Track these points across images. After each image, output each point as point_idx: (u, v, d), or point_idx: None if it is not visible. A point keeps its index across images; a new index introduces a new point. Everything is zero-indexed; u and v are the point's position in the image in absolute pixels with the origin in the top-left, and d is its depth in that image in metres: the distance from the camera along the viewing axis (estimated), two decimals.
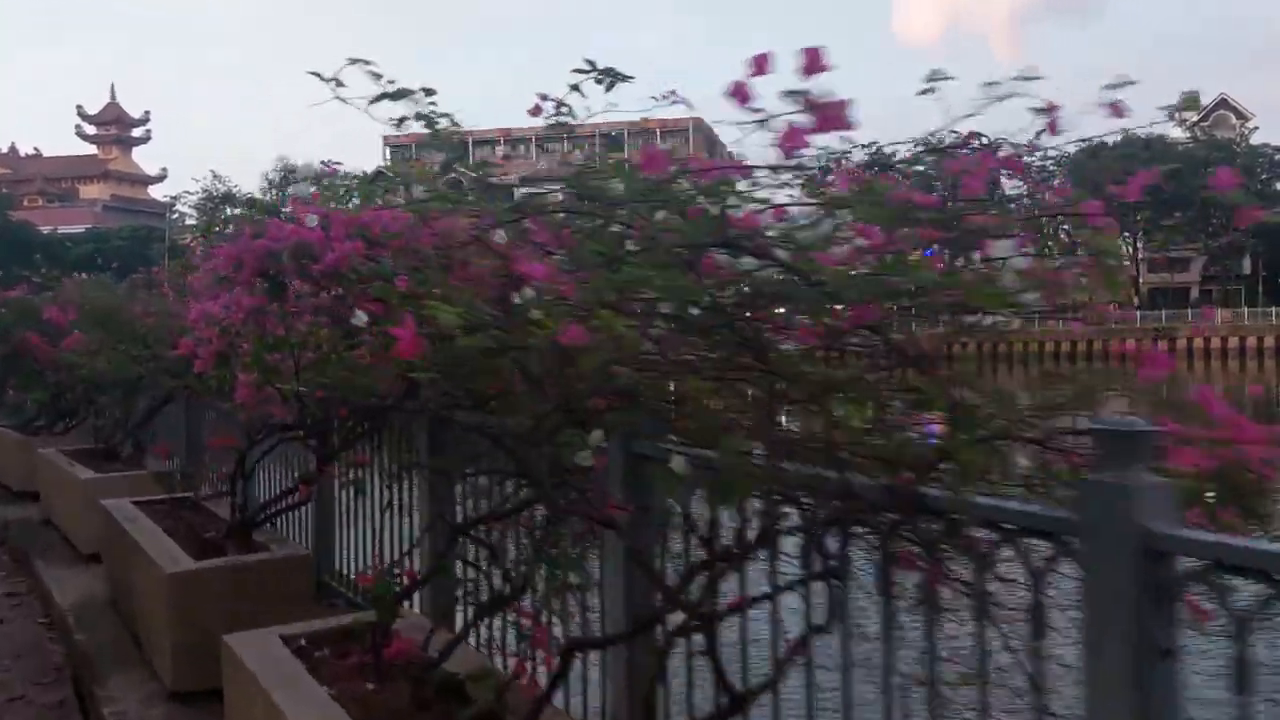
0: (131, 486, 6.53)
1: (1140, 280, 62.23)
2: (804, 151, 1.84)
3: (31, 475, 8.31)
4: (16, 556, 6.94)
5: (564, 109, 2.67)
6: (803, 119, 1.78)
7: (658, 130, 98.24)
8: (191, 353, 5.08)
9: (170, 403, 7.44)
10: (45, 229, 55.45)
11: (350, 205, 4.26)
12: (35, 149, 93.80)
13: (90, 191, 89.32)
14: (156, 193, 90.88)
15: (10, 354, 8.98)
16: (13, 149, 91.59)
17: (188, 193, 61.24)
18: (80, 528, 6.46)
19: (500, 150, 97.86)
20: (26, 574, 6.47)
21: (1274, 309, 58.35)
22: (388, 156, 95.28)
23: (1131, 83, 1.85)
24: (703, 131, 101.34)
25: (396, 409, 4.05)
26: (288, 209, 3.57)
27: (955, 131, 2.05)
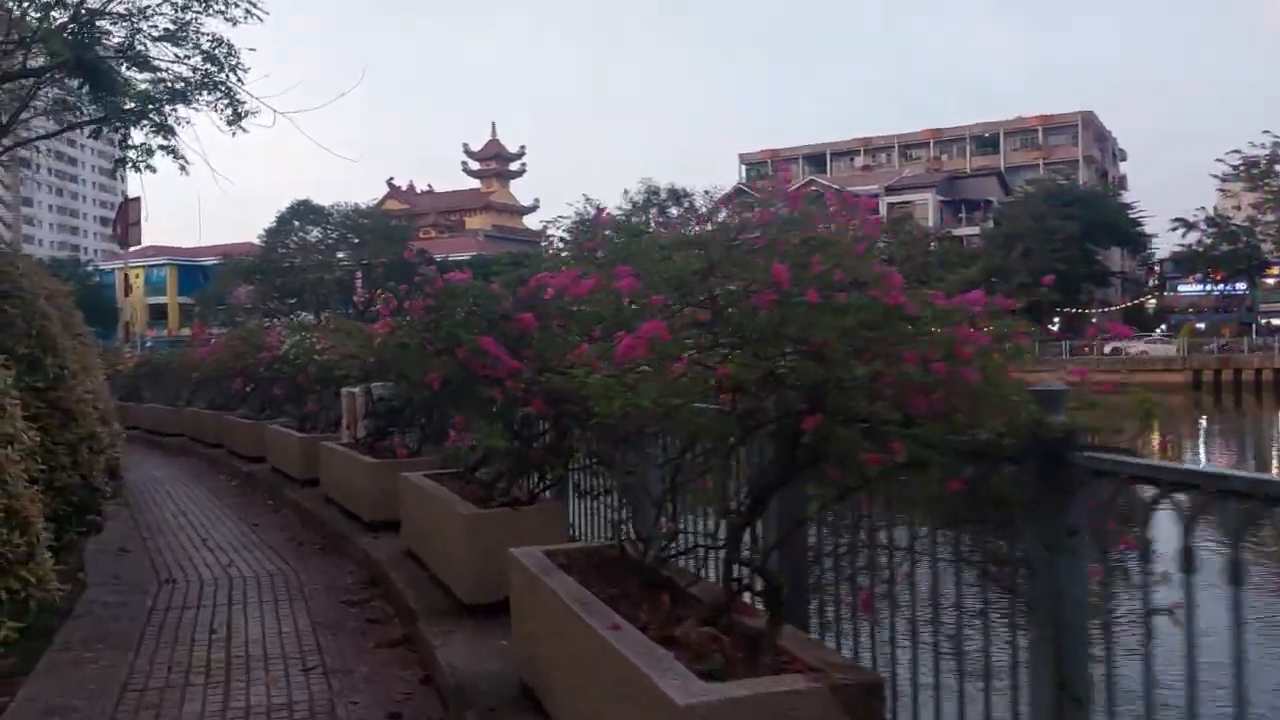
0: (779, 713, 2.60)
1: None
2: None
3: (499, 582, 4.82)
4: None
5: None
6: None
7: (1039, 128, 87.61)
8: None
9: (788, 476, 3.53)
10: (438, 257, 59.43)
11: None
12: (429, 185, 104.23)
13: (474, 222, 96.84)
14: (530, 221, 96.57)
15: (457, 371, 5.59)
16: (410, 187, 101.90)
17: (561, 217, 63.05)
18: None
19: (859, 160, 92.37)
20: None
21: None
22: (743, 173, 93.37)
23: None
24: (1092, 126, 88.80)
25: None
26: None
27: None
